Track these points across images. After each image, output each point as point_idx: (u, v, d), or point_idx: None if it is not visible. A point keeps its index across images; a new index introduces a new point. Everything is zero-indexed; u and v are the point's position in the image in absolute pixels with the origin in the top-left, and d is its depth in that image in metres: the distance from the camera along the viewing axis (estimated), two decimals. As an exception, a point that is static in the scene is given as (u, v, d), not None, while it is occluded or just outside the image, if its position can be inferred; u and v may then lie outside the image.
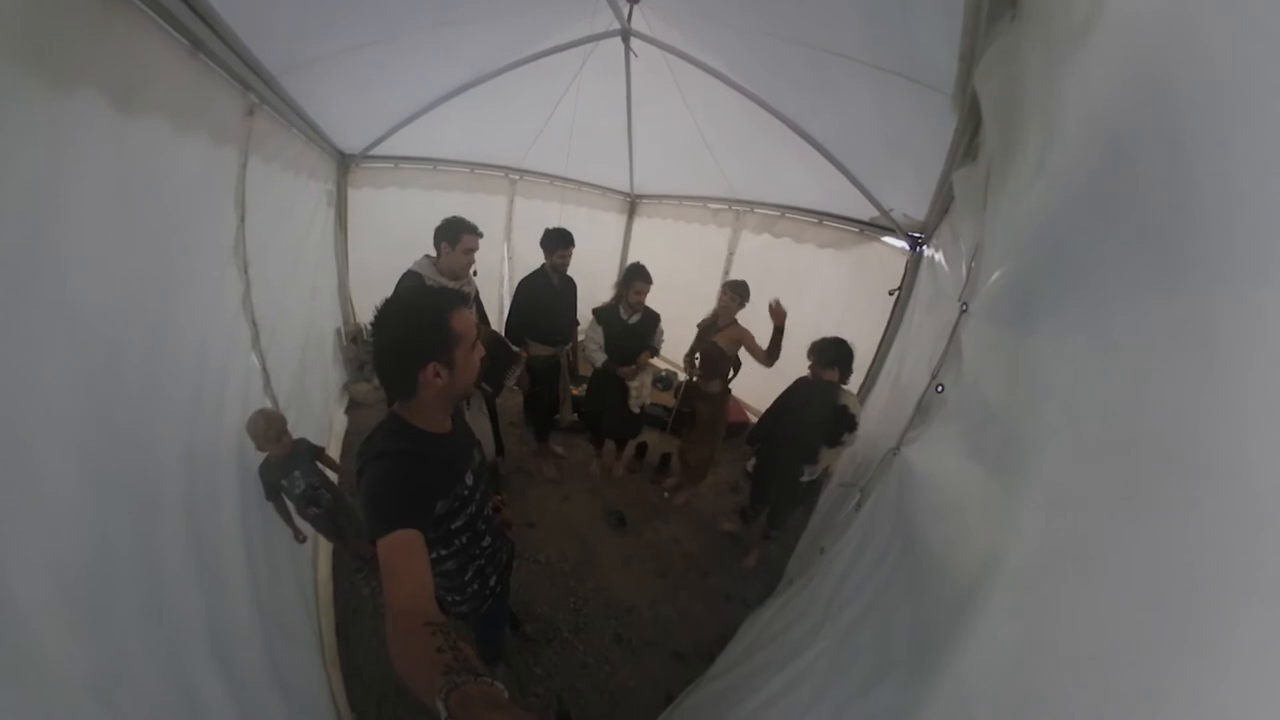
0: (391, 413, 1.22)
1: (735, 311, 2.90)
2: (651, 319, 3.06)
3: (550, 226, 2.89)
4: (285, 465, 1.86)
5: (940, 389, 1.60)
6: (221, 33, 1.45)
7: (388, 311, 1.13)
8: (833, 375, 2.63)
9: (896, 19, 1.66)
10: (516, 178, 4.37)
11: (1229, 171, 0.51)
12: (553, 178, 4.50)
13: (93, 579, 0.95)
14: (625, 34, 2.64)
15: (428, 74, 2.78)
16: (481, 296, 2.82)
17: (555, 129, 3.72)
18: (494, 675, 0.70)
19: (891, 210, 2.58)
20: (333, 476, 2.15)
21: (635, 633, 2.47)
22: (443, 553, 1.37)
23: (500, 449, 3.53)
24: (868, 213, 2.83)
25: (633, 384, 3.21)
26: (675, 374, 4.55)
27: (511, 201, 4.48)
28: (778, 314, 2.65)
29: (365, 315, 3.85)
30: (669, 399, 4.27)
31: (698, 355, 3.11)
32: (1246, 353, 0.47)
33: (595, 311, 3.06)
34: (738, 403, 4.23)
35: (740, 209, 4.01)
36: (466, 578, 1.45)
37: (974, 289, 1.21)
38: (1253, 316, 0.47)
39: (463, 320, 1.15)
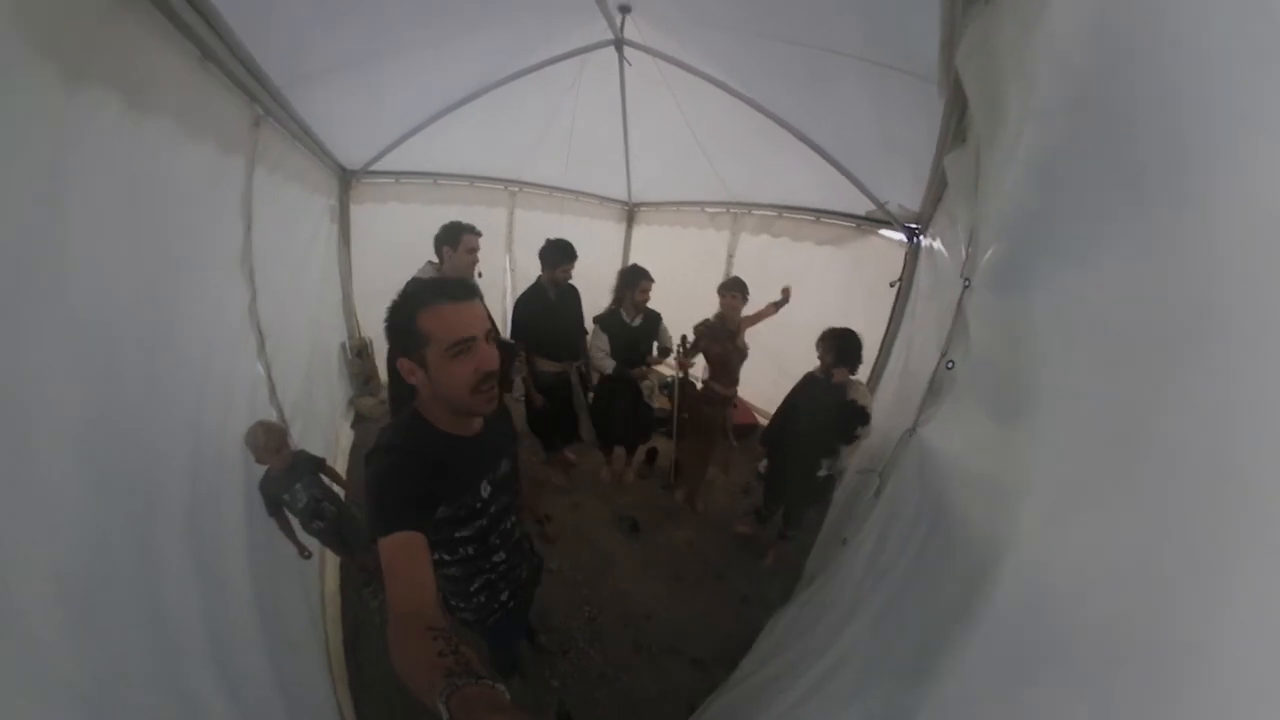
0: (411, 406, 1.15)
1: (740, 309, 2.90)
2: (654, 318, 3.06)
3: (551, 238, 2.86)
4: (286, 479, 1.83)
5: (950, 365, 1.59)
6: (228, 40, 1.48)
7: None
8: (843, 373, 2.62)
9: (890, 12, 1.69)
10: (516, 190, 4.42)
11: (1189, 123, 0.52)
12: (551, 189, 4.54)
13: (92, 586, 0.93)
14: (619, 43, 2.69)
15: (425, 88, 2.83)
16: (487, 304, 2.81)
17: (552, 140, 3.77)
18: (509, 688, 0.69)
19: (887, 203, 2.60)
20: (338, 490, 2.12)
21: (653, 640, 2.41)
22: (445, 558, 1.29)
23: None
24: (864, 207, 2.85)
25: (645, 384, 3.20)
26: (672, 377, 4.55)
27: (512, 214, 4.52)
28: (782, 302, 2.68)
29: (370, 329, 3.86)
30: (667, 403, 4.26)
31: (701, 356, 3.10)
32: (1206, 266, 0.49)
33: (596, 319, 3.05)
34: (744, 404, 4.21)
35: (738, 211, 4.04)
36: (472, 588, 1.38)
37: (974, 265, 1.22)
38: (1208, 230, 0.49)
39: (435, 319, 1.00)
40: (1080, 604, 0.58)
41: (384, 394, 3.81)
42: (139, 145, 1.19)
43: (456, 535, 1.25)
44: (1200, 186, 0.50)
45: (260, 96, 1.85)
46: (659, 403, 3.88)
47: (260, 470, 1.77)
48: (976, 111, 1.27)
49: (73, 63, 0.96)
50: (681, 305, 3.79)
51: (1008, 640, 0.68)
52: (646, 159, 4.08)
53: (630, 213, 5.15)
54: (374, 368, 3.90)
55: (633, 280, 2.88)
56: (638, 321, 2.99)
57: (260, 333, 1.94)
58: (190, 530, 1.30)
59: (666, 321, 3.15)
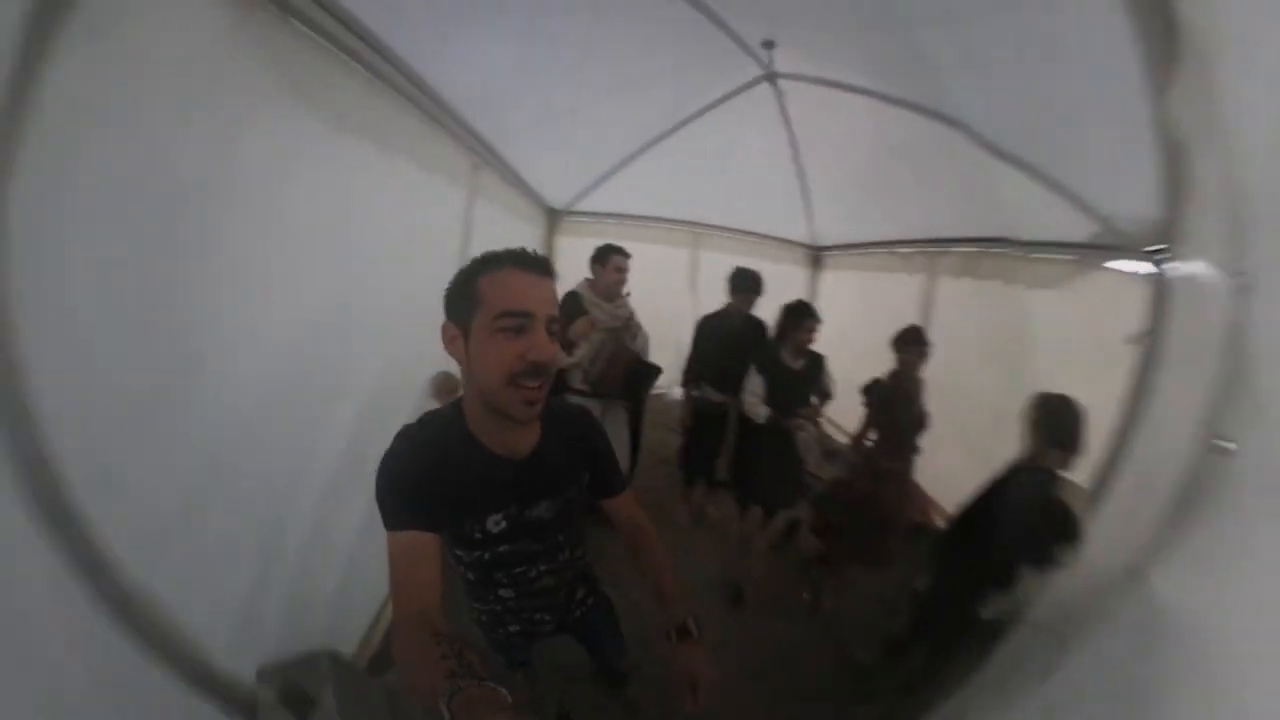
0: (460, 395, 1.06)
1: (919, 366, 2.40)
2: (818, 361, 2.77)
3: (741, 265, 2.90)
4: None
5: (1226, 451, 0.98)
6: (450, 109, 2.09)
7: None
8: (1055, 458, 1.91)
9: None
10: (699, 232, 4.67)
11: None
12: (733, 231, 4.64)
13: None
14: (771, 77, 2.67)
15: (612, 137, 3.35)
16: (663, 345, 3.00)
17: (730, 181, 3.89)
18: (512, 682, 0.73)
19: (1116, 218, 1.80)
20: None
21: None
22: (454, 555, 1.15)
23: (633, 465, 3.57)
24: (1085, 232, 2.03)
25: (801, 435, 2.89)
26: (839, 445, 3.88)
27: (695, 255, 4.77)
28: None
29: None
30: (827, 471, 3.65)
31: (872, 427, 2.63)
32: None
33: (754, 361, 2.93)
34: (922, 496, 3.31)
35: (933, 250, 3.35)
36: (477, 602, 1.26)
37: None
38: None
39: (493, 283, 0.88)
40: None
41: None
42: (381, 180, 1.72)
43: (455, 550, 1.12)
44: None
45: (476, 147, 2.53)
46: (817, 467, 3.39)
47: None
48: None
49: (328, 117, 1.48)
50: (855, 361, 3.30)
51: None
52: (824, 197, 3.80)
53: (816, 257, 4.79)
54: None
55: (798, 318, 2.70)
56: (800, 364, 2.75)
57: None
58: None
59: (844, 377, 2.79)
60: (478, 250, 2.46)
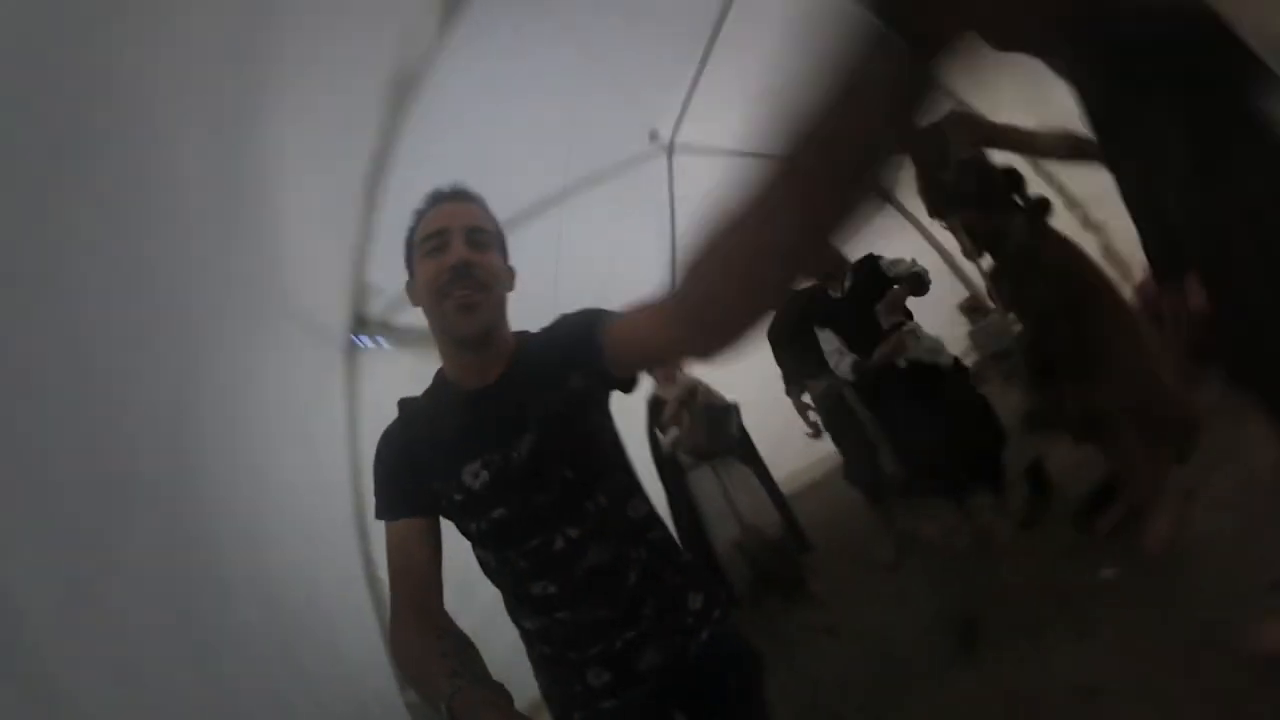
0: None
1: None
2: (868, 265, 2.47)
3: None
4: None
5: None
6: None
7: None
8: None
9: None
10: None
11: None
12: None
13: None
14: (669, 150, 3.28)
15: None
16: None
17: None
18: None
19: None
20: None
21: None
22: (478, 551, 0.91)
23: (794, 527, 3.09)
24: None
25: (923, 348, 2.32)
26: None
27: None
28: None
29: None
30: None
31: None
32: None
33: (806, 319, 2.53)
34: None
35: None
36: (524, 624, 0.90)
37: None
38: None
39: (424, 222, 0.84)
40: None
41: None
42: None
43: (466, 536, 0.89)
44: None
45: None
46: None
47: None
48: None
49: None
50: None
51: None
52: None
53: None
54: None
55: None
56: (848, 284, 2.43)
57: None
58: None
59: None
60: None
